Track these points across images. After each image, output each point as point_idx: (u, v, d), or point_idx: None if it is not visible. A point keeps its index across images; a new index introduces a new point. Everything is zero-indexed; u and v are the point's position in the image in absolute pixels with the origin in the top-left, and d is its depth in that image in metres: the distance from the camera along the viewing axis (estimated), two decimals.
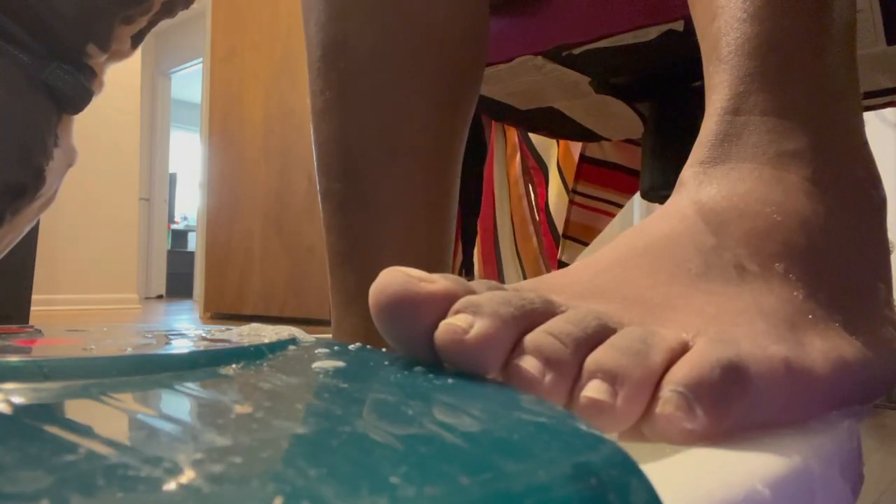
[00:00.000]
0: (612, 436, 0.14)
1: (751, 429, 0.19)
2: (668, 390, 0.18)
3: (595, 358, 0.19)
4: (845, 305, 0.24)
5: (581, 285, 0.23)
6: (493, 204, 1.11)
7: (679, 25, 0.55)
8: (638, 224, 0.27)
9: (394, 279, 0.19)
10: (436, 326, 0.19)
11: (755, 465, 0.16)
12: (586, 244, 1.00)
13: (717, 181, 0.26)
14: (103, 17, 0.72)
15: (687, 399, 0.18)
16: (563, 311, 0.21)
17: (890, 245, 0.28)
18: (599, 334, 0.20)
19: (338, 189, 0.45)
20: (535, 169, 1.10)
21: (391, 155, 0.44)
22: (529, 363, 0.19)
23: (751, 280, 0.23)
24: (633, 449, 0.14)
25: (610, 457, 0.13)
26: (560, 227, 1.03)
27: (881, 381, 0.24)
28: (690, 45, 0.32)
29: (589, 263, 0.25)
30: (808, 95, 0.27)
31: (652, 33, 0.56)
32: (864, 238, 0.27)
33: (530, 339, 0.19)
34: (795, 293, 0.23)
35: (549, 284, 0.23)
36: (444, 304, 0.19)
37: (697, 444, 0.18)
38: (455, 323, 0.19)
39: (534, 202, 1.10)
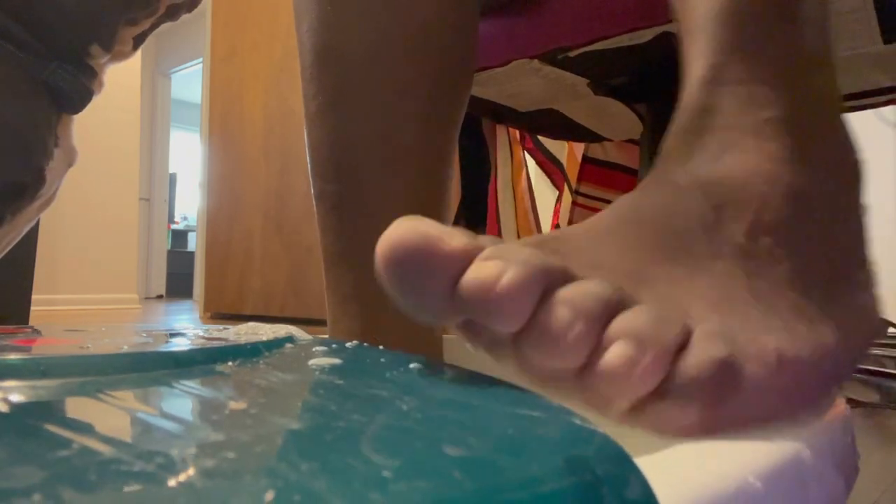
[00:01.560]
0: (605, 429, 0.14)
1: (744, 422, 0.19)
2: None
3: (624, 318, 0.19)
4: (826, 276, 0.25)
5: (586, 254, 0.23)
6: (497, 220, 1.12)
7: (673, 27, 0.55)
8: (631, 194, 0.27)
9: (413, 228, 0.18)
10: (457, 279, 0.18)
11: (748, 457, 0.16)
12: None
13: (700, 151, 0.27)
14: (109, 18, 0.72)
15: (684, 396, 0.18)
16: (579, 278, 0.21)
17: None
18: (619, 304, 0.20)
19: (332, 191, 0.45)
20: (557, 174, 1.11)
21: (384, 156, 0.44)
22: (560, 312, 0.18)
23: (743, 257, 0.24)
24: (627, 442, 0.14)
25: (604, 450, 0.13)
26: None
27: (853, 359, 0.25)
28: None
29: (587, 229, 0.24)
30: (783, 63, 0.27)
31: (647, 35, 0.57)
32: (843, 203, 0.27)
33: (561, 293, 0.19)
34: (782, 271, 0.24)
35: (552, 248, 0.23)
36: (467, 256, 0.19)
37: (690, 438, 0.18)
38: (486, 267, 0.18)
39: (539, 217, 1.11)
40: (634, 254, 0.23)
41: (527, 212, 1.13)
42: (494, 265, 0.18)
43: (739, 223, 0.24)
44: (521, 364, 0.19)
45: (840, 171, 0.28)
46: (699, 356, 0.19)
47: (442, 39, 0.45)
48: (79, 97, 0.74)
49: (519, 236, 1.12)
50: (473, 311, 0.18)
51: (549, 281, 0.19)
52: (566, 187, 1.08)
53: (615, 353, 0.18)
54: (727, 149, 0.26)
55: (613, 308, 0.19)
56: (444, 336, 0.49)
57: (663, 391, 0.18)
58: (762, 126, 0.26)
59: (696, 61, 0.28)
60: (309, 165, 0.47)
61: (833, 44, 0.30)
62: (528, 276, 0.18)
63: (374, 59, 0.43)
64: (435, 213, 0.46)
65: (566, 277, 0.20)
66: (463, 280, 0.18)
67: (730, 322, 0.21)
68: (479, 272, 0.18)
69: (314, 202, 0.47)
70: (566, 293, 0.19)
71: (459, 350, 0.52)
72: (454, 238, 0.18)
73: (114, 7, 0.72)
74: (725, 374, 0.19)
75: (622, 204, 0.26)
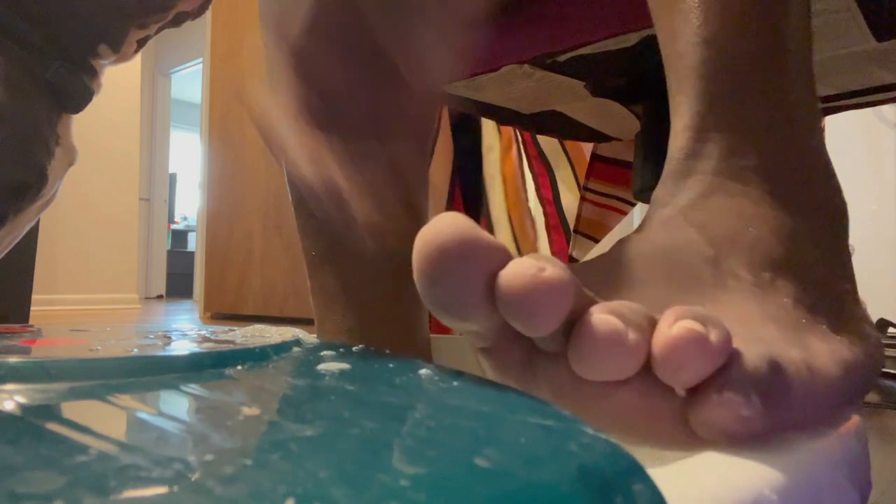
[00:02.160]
0: (619, 440, 0.14)
1: (790, 428, 0.20)
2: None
3: (674, 310, 0.19)
4: (825, 308, 0.26)
5: (605, 281, 0.23)
6: (487, 209, 1.12)
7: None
8: (628, 236, 0.28)
9: (452, 222, 0.18)
10: (496, 273, 0.18)
11: (763, 470, 0.16)
12: (597, 241, 1.00)
13: (687, 194, 0.28)
14: (122, 20, 0.73)
15: (744, 386, 0.18)
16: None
17: (851, 248, 0.30)
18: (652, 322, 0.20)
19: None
20: (537, 158, 1.11)
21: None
22: (610, 319, 0.18)
23: (747, 288, 0.25)
24: (640, 453, 0.14)
25: (617, 460, 0.13)
26: (571, 223, 1.03)
27: (870, 377, 0.25)
28: None
29: (602, 263, 0.25)
30: (764, 114, 0.28)
31: (633, 39, 0.57)
32: (828, 244, 0.28)
33: (601, 305, 0.18)
34: (786, 300, 0.25)
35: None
36: (506, 253, 0.18)
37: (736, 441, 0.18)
38: (526, 261, 0.18)
39: (540, 194, 1.11)
40: (647, 286, 0.23)
41: (518, 190, 1.12)
42: (533, 262, 0.18)
43: (737, 258, 0.25)
44: (559, 382, 0.19)
45: (824, 215, 0.29)
46: (751, 354, 0.19)
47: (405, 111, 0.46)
48: (80, 96, 0.74)
49: (510, 219, 1.12)
50: (512, 304, 0.17)
51: (580, 300, 0.18)
52: (550, 179, 1.08)
53: (681, 325, 0.18)
54: (712, 193, 0.28)
55: (653, 321, 0.19)
56: (432, 336, 0.50)
57: (720, 384, 0.18)
58: (744, 172, 0.28)
59: (681, 109, 0.30)
60: (285, 175, 0.48)
61: (815, 91, 0.31)
62: (567, 273, 0.18)
63: (340, 90, 0.44)
64: (412, 209, 0.47)
65: (593, 299, 0.20)
66: (503, 272, 0.18)
67: (755, 335, 0.21)
68: (520, 264, 0.18)
69: (293, 209, 0.48)
70: (608, 305, 0.18)
71: (447, 350, 0.52)
72: (491, 237, 0.18)
73: (129, 10, 0.73)
74: (777, 373, 0.19)
75: (622, 246, 0.27)
